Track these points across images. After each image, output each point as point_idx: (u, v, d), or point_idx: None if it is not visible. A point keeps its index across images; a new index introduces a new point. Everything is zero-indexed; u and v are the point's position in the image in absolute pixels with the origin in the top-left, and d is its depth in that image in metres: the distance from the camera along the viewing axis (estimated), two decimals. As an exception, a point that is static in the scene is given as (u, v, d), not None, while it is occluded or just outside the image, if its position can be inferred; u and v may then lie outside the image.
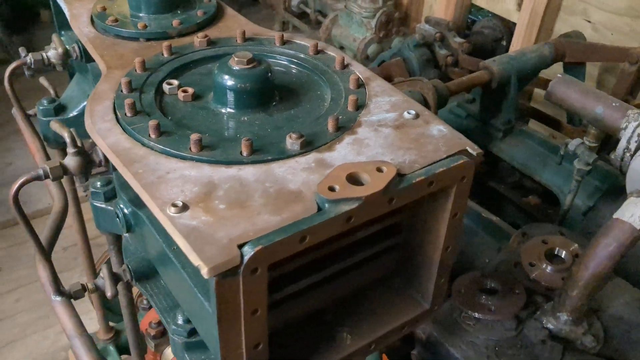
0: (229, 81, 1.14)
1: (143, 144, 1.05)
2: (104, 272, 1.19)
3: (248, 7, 5.74)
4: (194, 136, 1.02)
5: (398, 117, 1.14)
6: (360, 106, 1.16)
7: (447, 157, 1.04)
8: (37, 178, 1.05)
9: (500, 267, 1.76)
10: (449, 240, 1.15)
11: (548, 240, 1.75)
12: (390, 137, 1.08)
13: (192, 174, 0.99)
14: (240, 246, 0.86)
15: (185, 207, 0.91)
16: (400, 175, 0.99)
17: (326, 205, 0.93)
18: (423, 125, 1.12)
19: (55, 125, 1.07)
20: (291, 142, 1.04)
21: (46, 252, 1.17)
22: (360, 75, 1.25)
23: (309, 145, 1.05)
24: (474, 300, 1.54)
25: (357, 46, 4.33)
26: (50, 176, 1.06)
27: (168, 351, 2.09)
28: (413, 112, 1.14)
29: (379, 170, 0.98)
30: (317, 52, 1.33)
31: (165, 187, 0.96)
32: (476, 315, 1.51)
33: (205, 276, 0.83)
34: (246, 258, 0.85)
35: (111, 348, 2.23)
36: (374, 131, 1.10)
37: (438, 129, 1.11)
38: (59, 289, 1.19)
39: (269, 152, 1.03)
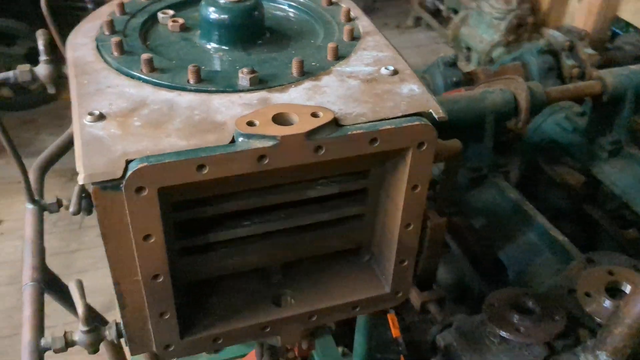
0: (212, 14, 1.09)
1: (104, 60, 1.04)
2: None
3: (389, 3, 5.67)
4: (145, 56, 0.99)
5: (374, 71, 1.02)
6: (340, 57, 1.06)
7: (402, 117, 0.92)
8: (6, 79, 1.07)
9: (552, 291, 1.56)
10: (409, 216, 1.02)
11: (615, 272, 1.49)
12: (353, 89, 0.98)
13: (130, 91, 0.96)
14: (129, 162, 0.81)
15: (101, 117, 0.89)
16: (337, 125, 0.89)
17: (239, 139, 0.85)
18: (396, 82, 1.00)
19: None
20: (242, 77, 0.97)
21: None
22: (360, 29, 1.15)
23: (261, 83, 0.98)
24: (504, 317, 1.37)
25: (482, 48, 4.10)
26: (19, 79, 1.08)
27: None
28: (392, 68, 1.02)
29: (314, 115, 0.89)
30: (331, 3, 1.24)
31: (98, 99, 0.93)
32: (502, 333, 1.34)
33: (80, 182, 0.79)
34: (128, 173, 0.80)
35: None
36: (340, 81, 1.00)
37: (410, 88, 0.98)
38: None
39: (215, 84, 0.97)
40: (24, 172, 1.21)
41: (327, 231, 1.11)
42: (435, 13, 4.99)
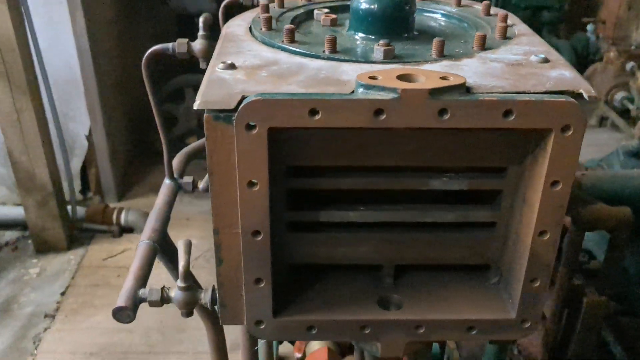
0: (363, 4, 1.09)
1: (252, 35, 1.07)
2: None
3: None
4: (288, 27, 1.00)
5: (522, 59, 0.93)
6: (487, 48, 0.99)
7: (545, 93, 0.82)
8: (165, 50, 1.15)
9: None
10: (545, 220, 0.88)
11: None
12: (494, 69, 0.90)
13: (266, 55, 0.97)
14: (245, 97, 0.80)
15: (232, 67, 0.90)
16: (468, 91, 0.81)
17: (359, 90, 0.81)
18: (545, 68, 0.90)
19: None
20: (377, 49, 0.94)
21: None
22: (515, 31, 1.07)
23: (395, 58, 0.94)
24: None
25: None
26: (176, 51, 1.15)
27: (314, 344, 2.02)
28: (542, 56, 0.92)
29: (443, 78, 0.82)
30: (489, 14, 1.19)
31: (234, 56, 0.95)
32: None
33: (195, 107, 0.79)
34: (241, 105, 0.79)
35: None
36: (481, 63, 0.92)
37: (560, 72, 0.88)
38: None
39: (349, 55, 0.95)
40: (168, 151, 1.27)
41: (451, 237, 0.99)
42: (623, 113, 4.65)
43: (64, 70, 3.43)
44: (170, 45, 1.16)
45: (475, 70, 0.89)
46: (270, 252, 0.90)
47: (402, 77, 0.82)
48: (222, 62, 0.90)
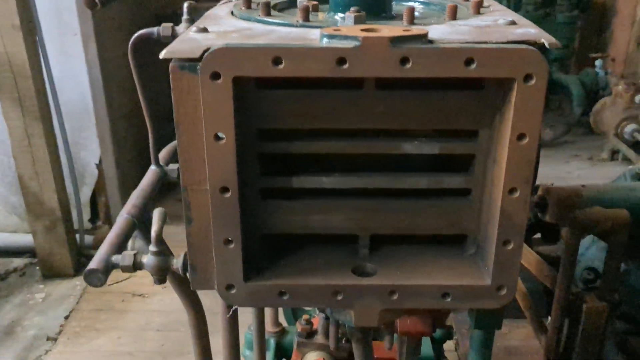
0: (339, -14, 1.12)
1: (232, 14, 1.10)
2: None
3: (582, 136, 5.42)
4: (264, 1, 1.03)
5: (490, 24, 0.95)
6: (459, 18, 1.01)
7: (506, 43, 0.83)
8: (151, 34, 1.19)
9: None
10: (513, 177, 0.87)
11: None
12: (459, 30, 0.91)
13: (242, 25, 1.00)
14: (210, 48, 0.82)
15: (204, 30, 0.92)
16: (430, 41, 0.82)
17: (323, 40, 0.82)
18: (511, 27, 0.91)
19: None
20: (348, 16, 0.96)
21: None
22: (490, 8, 1.09)
23: (363, 20, 0.96)
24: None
25: (686, 179, 3.64)
26: (161, 34, 1.19)
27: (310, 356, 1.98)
28: (510, 19, 0.94)
29: (406, 30, 0.83)
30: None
31: (211, 25, 0.98)
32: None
33: (160, 56, 0.82)
34: (206, 54, 0.81)
35: (272, 342, 2.22)
36: (449, 27, 0.94)
37: (525, 30, 0.89)
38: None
39: (321, 23, 0.98)
40: (154, 137, 1.29)
41: (426, 205, 0.99)
42: (634, 146, 4.62)
43: (77, 99, 3.52)
44: (155, 29, 1.20)
45: (442, 31, 0.90)
46: (239, 212, 0.90)
47: (365, 30, 0.84)
48: (196, 27, 0.93)
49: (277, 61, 0.81)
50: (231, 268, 0.93)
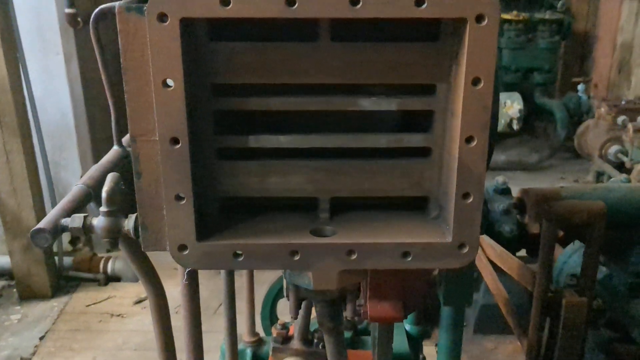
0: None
1: None
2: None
3: (567, 160, 5.44)
4: None
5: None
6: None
7: (458, -17, 0.82)
8: (112, 8, 1.17)
9: None
10: (470, 125, 0.86)
11: None
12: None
13: None
14: (159, -9, 0.81)
15: None
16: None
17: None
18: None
19: None
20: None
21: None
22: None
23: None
24: None
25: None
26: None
27: (288, 362, 1.92)
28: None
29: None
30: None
31: None
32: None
33: (106, -3, 0.80)
34: (153, -6, 0.79)
35: (248, 352, 2.15)
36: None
37: (479, -22, 0.88)
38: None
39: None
40: (116, 117, 1.27)
41: (387, 166, 0.97)
42: (619, 166, 4.63)
43: (58, 119, 3.51)
44: (116, 3, 1.18)
45: (395, -19, 0.89)
46: (190, 166, 0.87)
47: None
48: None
49: (225, 1, 0.80)
50: (183, 226, 0.90)
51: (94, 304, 3.25)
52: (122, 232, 0.94)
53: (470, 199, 0.89)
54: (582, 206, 1.68)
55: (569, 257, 2.42)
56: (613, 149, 4.61)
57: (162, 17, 0.80)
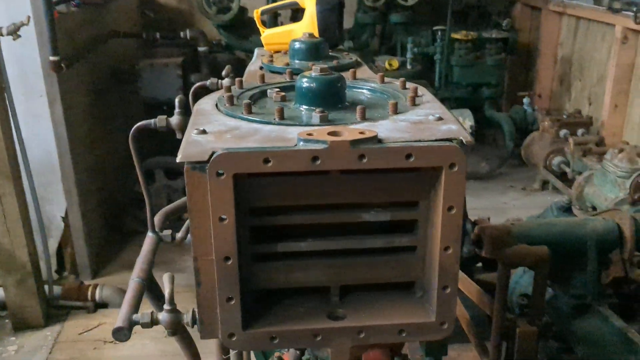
0: (304, 83, 1.39)
1: (218, 109, 1.36)
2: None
3: (516, 167, 5.86)
4: (246, 102, 1.30)
5: (423, 119, 1.24)
6: (400, 112, 1.29)
7: (435, 140, 1.11)
8: (148, 125, 1.43)
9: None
10: (447, 238, 1.16)
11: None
12: (399, 125, 1.20)
13: (230, 123, 1.25)
14: (214, 152, 1.08)
15: (204, 132, 1.18)
16: (379, 141, 1.10)
17: (300, 143, 1.09)
18: (438, 124, 1.20)
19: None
20: (314, 116, 1.23)
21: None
22: (423, 99, 1.39)
23: (328, 121, 1.23)
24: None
25: (607, 206, 4.07)
26: (157, 125, 1.43)
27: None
28: (437, 115, 1.23)
29: (361, 132, 1.11)
30: (405, 88, 1.51)
31: (206, 125, 1.23)
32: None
33: (177, 160, 1.07)
34: (212, 158, 1.06)
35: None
36: (392, 122, 1.22)
37: (449, 126, 1.18)
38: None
39: (295, 120, 1.24)
40: (151, 208, 1.52)
41: (381, 260, 1.26)
42: (562, 176, 5.07)
43: (43, 157, 3.68)
44: (152, 121, 1.44)
45: (387, 128, 1.19)
46: (238, 275, 1.15)
47: (331, 133, 1.11)
48: (196, 129, 1.18)
49: (266, 161, 1.07)
50: (232, 320, 1.17)
51: (86, 331, 3.46)
52: (181, 325, 1.21)
53: (449, 290, 1.20)
54: (529, 251, 2.02)
55: (520, 277, 2.77)
56: (556, 160, 5.04)
57: (219, 174, 1.07)
